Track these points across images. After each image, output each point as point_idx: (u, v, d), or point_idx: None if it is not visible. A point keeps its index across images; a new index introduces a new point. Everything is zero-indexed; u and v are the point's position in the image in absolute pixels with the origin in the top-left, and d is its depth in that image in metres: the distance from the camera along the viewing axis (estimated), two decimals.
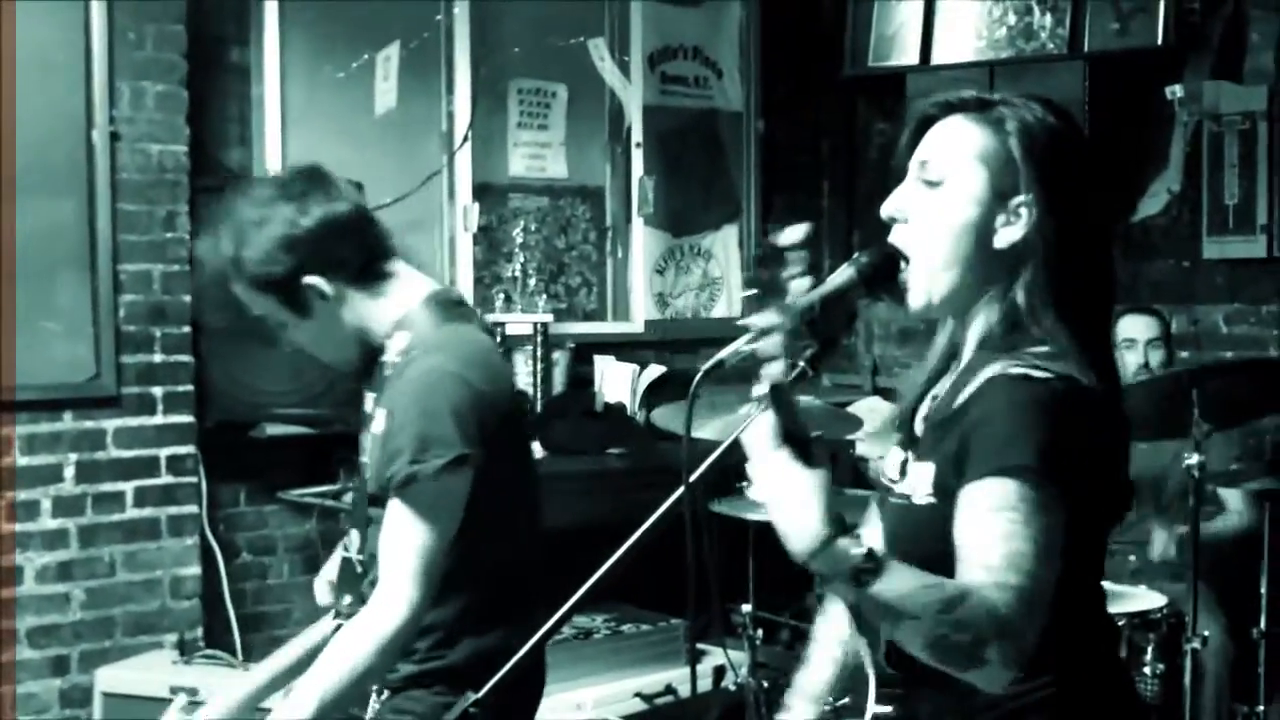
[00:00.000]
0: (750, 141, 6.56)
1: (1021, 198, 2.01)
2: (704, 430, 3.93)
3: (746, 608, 4.40)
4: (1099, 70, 5.79)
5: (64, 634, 4.63)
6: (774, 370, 1.84)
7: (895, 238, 2.05)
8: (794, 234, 1.87)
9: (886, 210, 2.07)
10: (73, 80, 4.61)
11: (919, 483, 1.98)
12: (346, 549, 2.86)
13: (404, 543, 2.61)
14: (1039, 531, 1.82)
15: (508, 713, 2.59)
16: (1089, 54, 5.78)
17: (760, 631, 4.43)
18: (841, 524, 1.80)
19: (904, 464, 2.10)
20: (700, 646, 4.87)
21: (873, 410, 5.38)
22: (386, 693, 2.73)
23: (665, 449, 4.99)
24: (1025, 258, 2.00)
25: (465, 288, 5.67)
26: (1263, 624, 4.48)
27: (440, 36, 5.67)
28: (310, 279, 2.68)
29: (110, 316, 4.66)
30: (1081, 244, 2.01)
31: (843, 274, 2.06)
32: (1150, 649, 4.00)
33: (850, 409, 5.33)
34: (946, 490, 1.91)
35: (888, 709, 2.02)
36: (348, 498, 3.15)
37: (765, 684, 4.39)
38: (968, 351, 2.07)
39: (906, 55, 6.20)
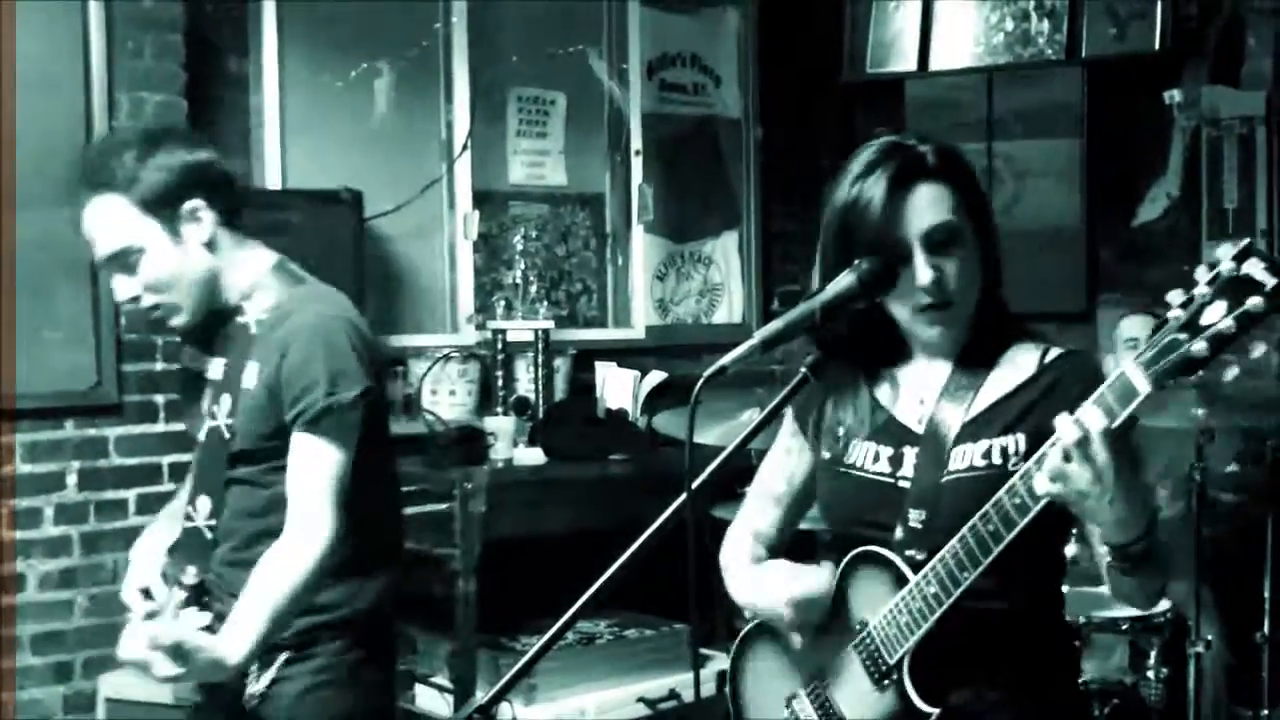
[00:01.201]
0: (749, 148, 6.57)
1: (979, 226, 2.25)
2: (706, 436, 3.94)
3: (749, 613, 4.40)
4: (1097, 76, 5.81)
5: (67, 640, 4.63)
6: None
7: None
8: None
9: (925, 283, 2.19)
10: (72, 90, 4.61)
11: (1009, 454, 2.16)
12: (191, 518, 2.84)
13: (320, 473, 2.70)
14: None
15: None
16: (1087, 59, 5.79)
17: None
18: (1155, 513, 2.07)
19: (897, 456, 2.26)
20: (704, 651, 4.88)
21: None
22: (285, 653, 2.78)
23: (667, 455, 5.00)
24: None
25: (466, 295, 5.68)
26: (1265, 628, 4.48)
27: (439, 45, 5.67)
28: (194, 202, 2.76)
29: (111, 325, 4.67)
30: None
31: (843, 281, 2.08)
32: (1154, 653, 4.00)
33: None
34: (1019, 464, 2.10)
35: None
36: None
37: None
38: (955, 352, 2.28)
39: (904, 62, 6.21)
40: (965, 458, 2.18)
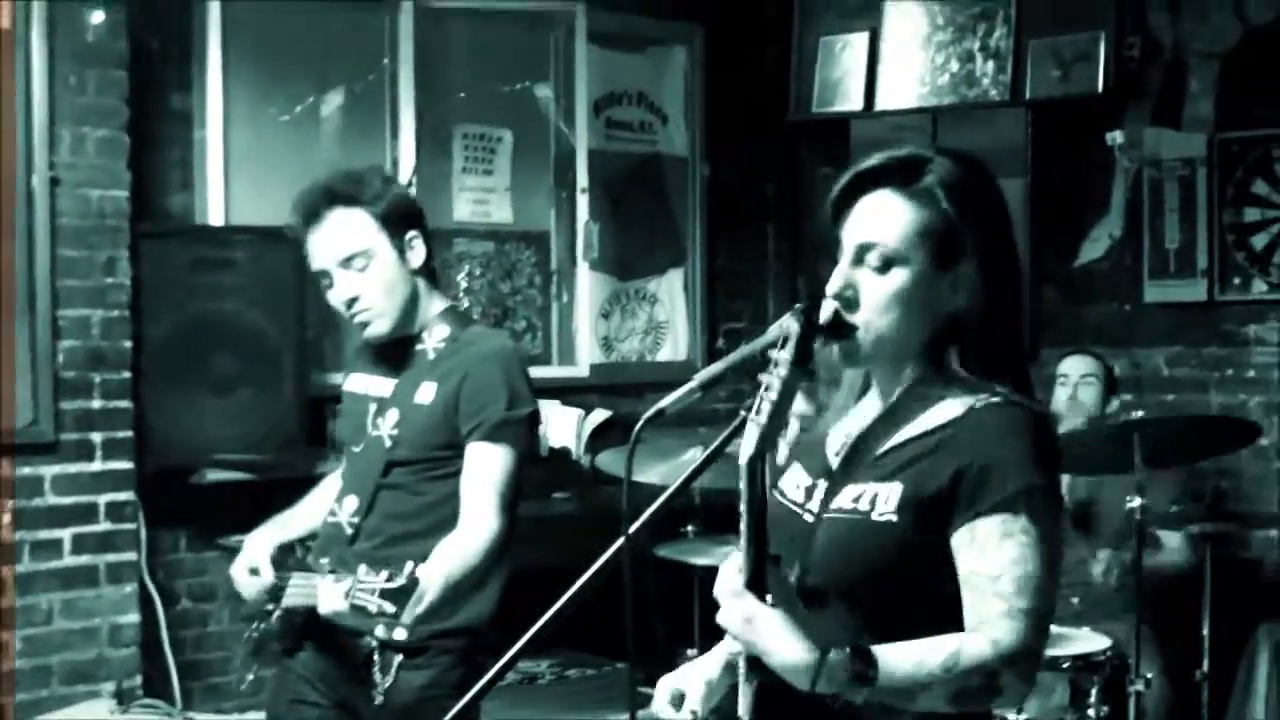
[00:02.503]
0: (695, 186, 6.58)
1: (963, 265, 2.05)
2: (649, 474, 3.93)
3: (692, 652, 4.38)
4: (1041, 117, 5.85)
5: (1, 684, 4.56)
6: (746, 446, 1.90)
7: (846, 316, 2.05)
8: (829, 310, 2.00)
9: (832, 289, 2.07)
10: (12, 125, 4.57)
11: (879, 501, 2.01)
12: (335, 514, 3.19)
13: (493, 476, 3.07)
14: (1047, 551, 1.95)
15: None
16: (1030, 101, 5.84)
17: None
18: (824, 643, 1.86)
19: (811, 488, 2.14)
20: (644, 690, 4.84)
21: None
22: (400, 656, 3.04)
23: (610, 493, 4.98)
24: (963, 317, 2.06)
25: None
26: (1205, 666, 4.50)
27: (385, 81, 5.66)
28: (415, 232, 3.21)
29: (49, 362, 4.62)
30: (1009, 295, 2.09)
31: (784, 324, 2.06)
32: (1094, 691, 4.00)
33: None
34: (916, 509, 1.97)
35: None
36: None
37: None
38: (897, 390, 2.11)
39: (850, 101, 6.24)
40: (845, 497, 2.05)
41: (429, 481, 3.14)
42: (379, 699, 3.07)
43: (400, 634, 2.80)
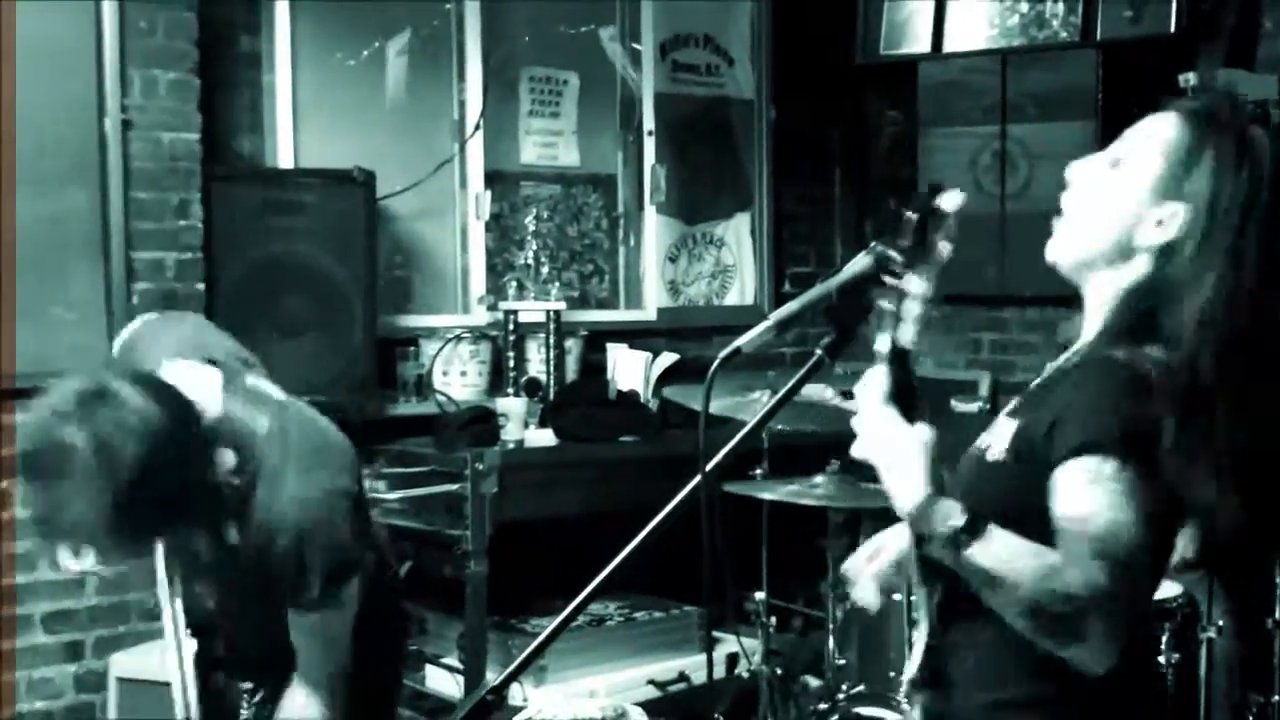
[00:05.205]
0: (762, 129, 6.55)
1: (1183, 200, 1.98)
2: (711, 407, 3.93)
3: (760, 595, 4.40)
4: (1111, 58, 5.77)
5: (79, 619, 4.63)
6: (905, 334, 1.88)
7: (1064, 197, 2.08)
8: (955, 199, 1.90)
9: (1069, 172, 2.09)
10: (84, 68, 4.60)
11: (996, 440, 2.02)
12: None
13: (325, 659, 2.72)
14: (1141, 505, 1.84)
15: None
16: (1101, 42, 5.76)
17: (773, 619, 4.44)
18: (943, 486, 1.85)
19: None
20: (714, 634, 4.88)
21: None
22: None
23: (678, 436, 5.01)
24: (1170, 267, 1.98)
25: (478, 275, 5.67)
26: (1277, 614, 4.47)
27: (451, 24, 5.66)
28: None
29: (123, 304, 4.66)
30: (1239, 280, 1.94)
31: (860, 263, 2.06)
32: (1165, 638, 3.98)
33: None
34: (1022, 452, 1.96)
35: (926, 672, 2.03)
36: None
37: (778, 671, 4.40)
38: (1086, 333, 2.08)
39: (918, 43, 6.18)
40: (990, 434, 2.07)
41: None
42: None
43: None
